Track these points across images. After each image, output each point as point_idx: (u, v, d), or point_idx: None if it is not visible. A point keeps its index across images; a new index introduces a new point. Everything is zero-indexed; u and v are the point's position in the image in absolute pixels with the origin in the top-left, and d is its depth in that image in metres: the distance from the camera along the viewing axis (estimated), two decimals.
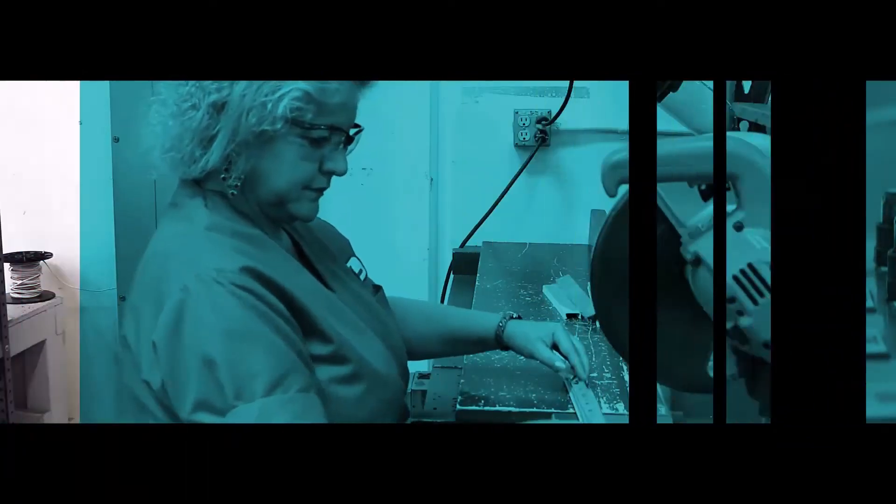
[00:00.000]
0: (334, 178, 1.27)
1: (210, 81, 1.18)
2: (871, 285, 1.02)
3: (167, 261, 1.19)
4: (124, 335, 1.21)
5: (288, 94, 1.17)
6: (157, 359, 1.13)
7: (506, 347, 1.55)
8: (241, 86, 1.17)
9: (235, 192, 1.23)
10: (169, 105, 1.21)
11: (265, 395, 1.09)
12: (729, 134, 0.93)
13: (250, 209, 1.26)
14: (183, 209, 1.25)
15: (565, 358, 1.48)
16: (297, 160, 1.22)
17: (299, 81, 1.18)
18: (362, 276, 1.47)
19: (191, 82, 1.20)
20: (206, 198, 1.24)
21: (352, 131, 1.28)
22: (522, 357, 1.59)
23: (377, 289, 1.48)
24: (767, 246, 0.89)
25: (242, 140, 1.19)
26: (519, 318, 1.57)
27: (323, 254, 1.40)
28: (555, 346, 1.50)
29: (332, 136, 1.24)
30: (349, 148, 1.28)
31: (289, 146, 1.21)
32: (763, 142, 0.95)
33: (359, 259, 1.48)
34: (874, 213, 1.07)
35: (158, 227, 1.28)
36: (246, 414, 1.08)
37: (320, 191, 1.27)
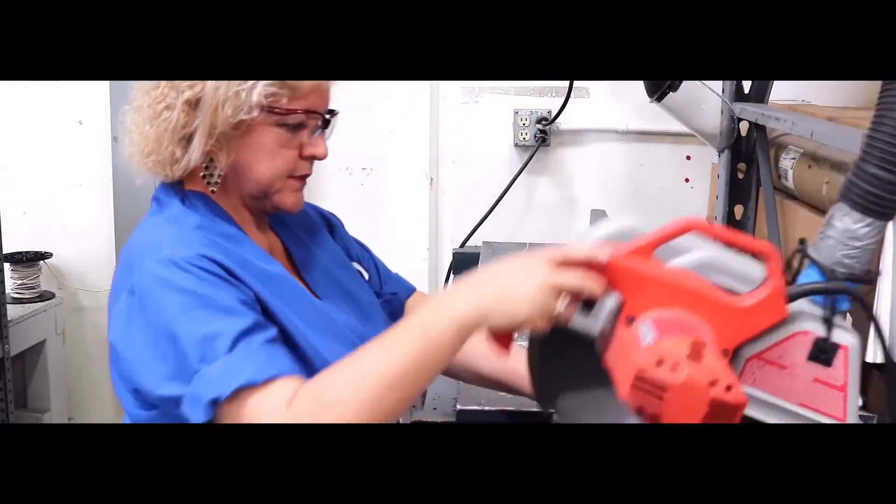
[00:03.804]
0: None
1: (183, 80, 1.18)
2: None
3: (131, 259, 1.18)
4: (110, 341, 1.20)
5: (260, 80, 1.16)
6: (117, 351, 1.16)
7: None
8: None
9: (215, 191, 1.22)
10: (143, 110, 1.21)
11: (227, 352, 1.06)
12: None
13: (232, 206, 1.25)
14: (162, 207, 1.24)
15: None
16: (276, 148, 1.21)
17: None
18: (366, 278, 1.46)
19: (163, 83, 1.19)
20: (183, 197, 1.24)
21: (328, 116, 1.26)
22: None
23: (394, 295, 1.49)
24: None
25: (221, 134, 1.18)
26: None
27: (312, 258, 1.37)
28: None
29: (308, 120, 1.23)
30: (327, 133, 1.27)
31: (267, 135, 1.20)
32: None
33: (361, 265, 1.47)
34: None
35: (141, 222, 1.27)
36: (210, 375, 1.05)
37: (303, 179, 1.27)
